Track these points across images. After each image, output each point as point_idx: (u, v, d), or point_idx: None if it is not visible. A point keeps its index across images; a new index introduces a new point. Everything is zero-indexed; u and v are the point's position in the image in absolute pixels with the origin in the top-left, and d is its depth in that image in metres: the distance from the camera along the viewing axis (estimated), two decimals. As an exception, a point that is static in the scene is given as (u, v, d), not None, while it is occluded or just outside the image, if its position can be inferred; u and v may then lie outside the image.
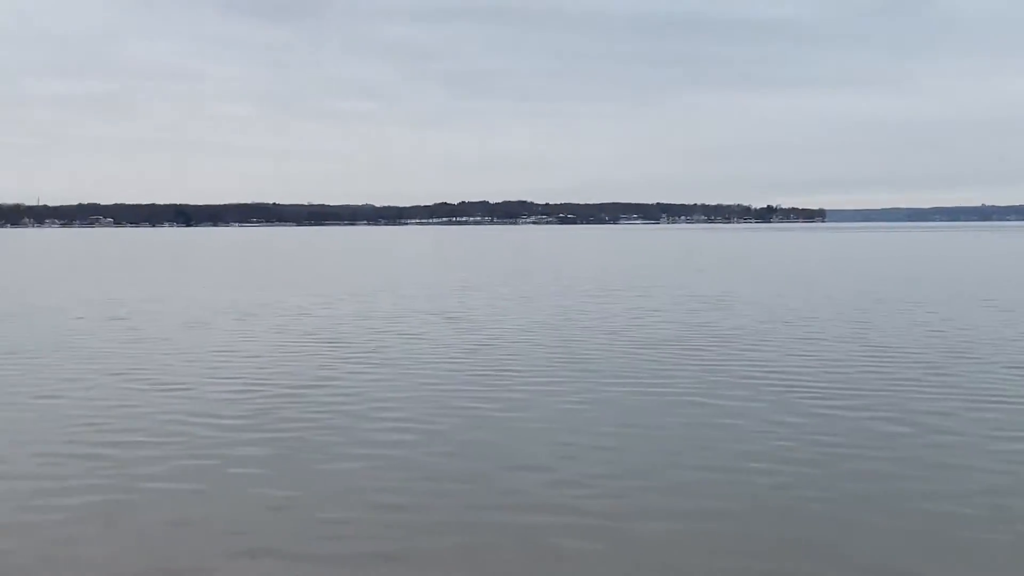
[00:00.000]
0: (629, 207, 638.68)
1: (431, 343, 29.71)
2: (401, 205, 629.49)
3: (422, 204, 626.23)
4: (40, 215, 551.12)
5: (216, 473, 14.98)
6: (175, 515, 13.00)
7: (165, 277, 68.62)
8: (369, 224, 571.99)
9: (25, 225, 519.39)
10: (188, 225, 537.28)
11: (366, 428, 17.97)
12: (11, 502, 13.52)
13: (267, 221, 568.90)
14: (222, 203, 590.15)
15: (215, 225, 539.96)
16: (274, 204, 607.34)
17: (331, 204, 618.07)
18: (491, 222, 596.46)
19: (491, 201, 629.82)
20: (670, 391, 21.52)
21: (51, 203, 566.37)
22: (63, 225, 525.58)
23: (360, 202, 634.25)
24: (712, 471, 15.09)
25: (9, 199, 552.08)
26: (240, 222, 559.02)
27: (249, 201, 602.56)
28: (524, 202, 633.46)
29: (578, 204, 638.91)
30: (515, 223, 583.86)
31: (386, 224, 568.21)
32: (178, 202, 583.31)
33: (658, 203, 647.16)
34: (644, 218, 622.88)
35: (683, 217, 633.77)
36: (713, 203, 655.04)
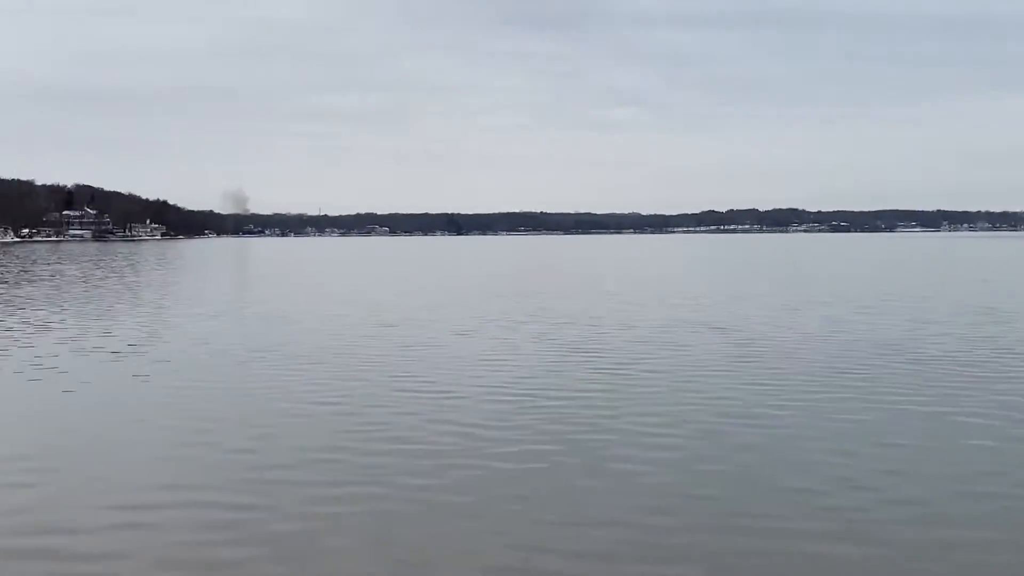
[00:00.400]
0: (906, 214, 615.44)
1: (695, 356, 29.04)
2: (667, 213, 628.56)
3: (689, 212, 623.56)
4: (321, 224, 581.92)
5: (478, 486, 14.95)
6: (435, 529, 13.03)
7: (437, 284, 70.43)
8: (635, 232, 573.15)
9: (307, 234, 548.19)
10: (459, 234, 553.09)
11: (627, 444, 17.61)
12: (279, 509, 13.89)
13: (534, 230, 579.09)
14: (491, 212, 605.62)
15: (484, 234, 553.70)
16: (541, 213, 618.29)
17: (597, 212, 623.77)
18: (760, 230, 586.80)
19: (760, 209, 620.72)
20: (950, 410, 20.18)
21: (331, 213, 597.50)
22: (342, 234, 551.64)
23: (626, 210, 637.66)
24: (1006, 499, 13.99)
25: (294, 210, 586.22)
26: (508, 231, 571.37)
27: (517, 210, 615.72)
28: (795, 210, 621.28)
29: (852, 212, 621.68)
30: (785, 231, 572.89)
31: (652, 232, 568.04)
32: (449, 212, 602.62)
33: (938, 210, 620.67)
34: (923, 226, 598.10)
35: (965, 225, 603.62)
36: (998, 210, 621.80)
